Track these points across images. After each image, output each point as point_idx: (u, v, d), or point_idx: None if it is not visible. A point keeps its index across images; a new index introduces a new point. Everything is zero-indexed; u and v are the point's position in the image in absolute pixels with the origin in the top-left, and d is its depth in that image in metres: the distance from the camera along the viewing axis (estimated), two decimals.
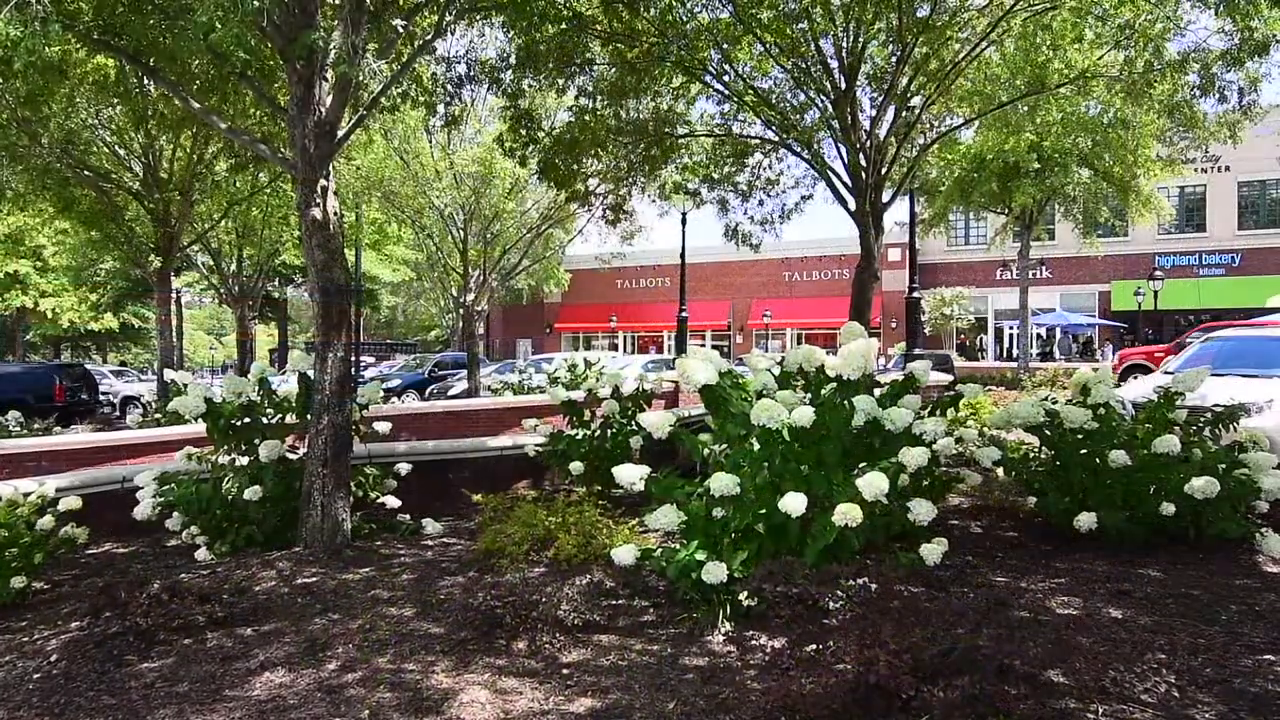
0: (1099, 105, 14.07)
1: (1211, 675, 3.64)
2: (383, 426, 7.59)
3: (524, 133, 10.24)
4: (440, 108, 10.80)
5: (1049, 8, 9.14)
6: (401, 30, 6.71)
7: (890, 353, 30.99)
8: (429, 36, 7.29)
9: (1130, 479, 5.68)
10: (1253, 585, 4.90)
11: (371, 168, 18.46)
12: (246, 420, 6.63)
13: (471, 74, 10.62)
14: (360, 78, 5.71)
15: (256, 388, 6.80)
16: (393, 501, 7.23)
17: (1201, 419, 6.38)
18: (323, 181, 6.17)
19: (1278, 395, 9.48)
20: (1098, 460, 5.74)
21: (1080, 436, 5.94)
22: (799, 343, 40.37)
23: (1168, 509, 5.46)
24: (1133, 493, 5.68)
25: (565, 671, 3.86)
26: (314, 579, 5.40)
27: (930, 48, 9.28)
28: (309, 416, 6.40)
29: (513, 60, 9.95)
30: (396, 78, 7.23)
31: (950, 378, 15.48)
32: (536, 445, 8.23)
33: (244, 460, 6.56)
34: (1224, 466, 5.62)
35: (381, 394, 9.98)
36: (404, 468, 7.43)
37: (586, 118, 10.59)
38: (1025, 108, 11.30)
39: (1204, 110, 9.85)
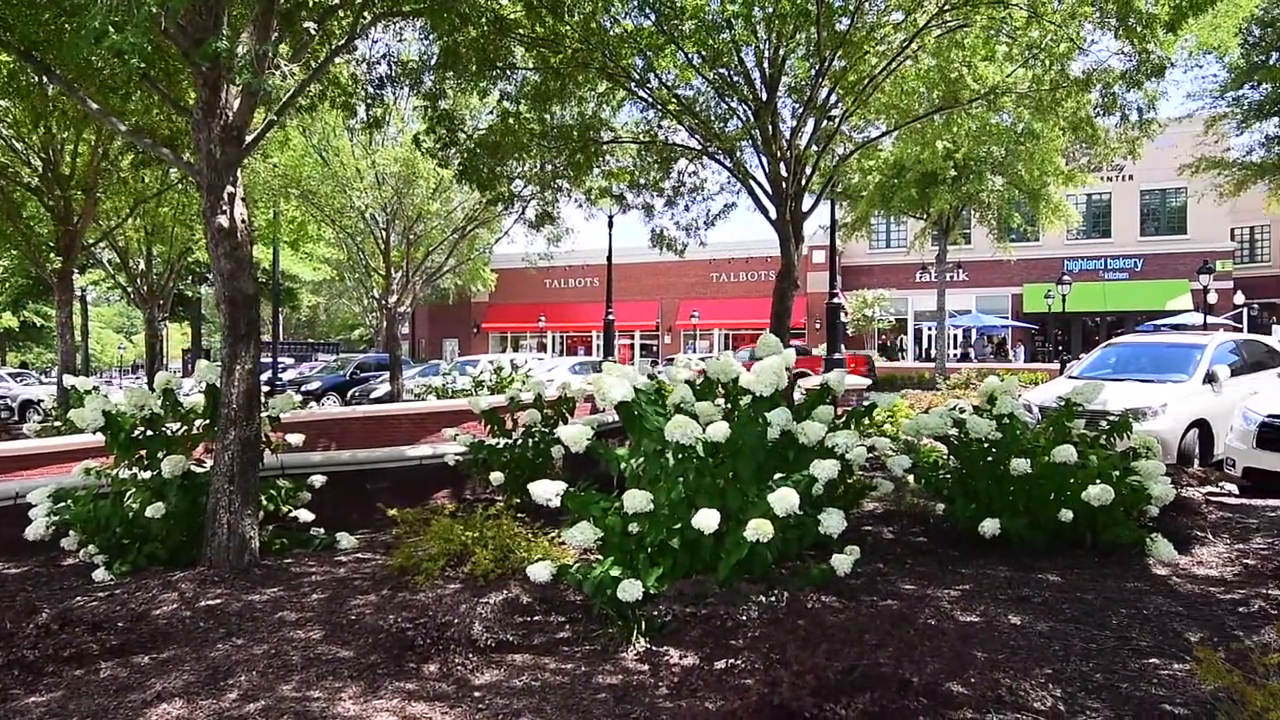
0: (1011, 117, 14.58)
1: (1101, 681, 3.81)
2: (295, 439, 7.38)
3: (444, 134, 10.08)
4: (360, 109, 10.57)
5: (961, 25, 9.43)
6: (314, 33, 6.54)
7: (815, 353, 31.49)
8: (344, 40, 7.11)
9: (1032, 486, 5.91)
10: (1142, 588, 5.14)
11: (290, 166, 17.94)
12: (149, 433, 6.38)
13: (392, 75, 10.42)
14: (265, 88, 5.52)
15: (161, 399, 6.54)
16: (306, 515, 7.04)
17: (1101, 424, 6.67)
18: (229, 188, 5.97)
19: (1170, 399, 9.99)
20: (1001, 468, 5.96)
21: (985, 445, 6.15)
22: (727, 343, 40.95)
23: (1066, 515, 5.70)
24: (1034, 500, 5.91)
25: (477, 694, 3.82)
26: (218, 600, 5.23)
27: (849, 61, 9.47)
28: (215, 430, 6.18)
29: (434, 62, 9.80)
30: (310, 80, 7.04)
31: (868, 382, 15.84)
32: (457, 454, 8.12)
33: (147, 475, 6.31)
34: (1118, 474, 5.89)
35: (298, 401, 9.72)
36: (319, 479, 7.25)
37: (510, 121, 10.49)
38: (941, 119, 11.63)
39: (1105, 127, 10.29)
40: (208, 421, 6.53)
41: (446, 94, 10.39)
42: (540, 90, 10.11)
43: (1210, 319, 27.26)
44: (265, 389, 17.57)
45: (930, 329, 36.85)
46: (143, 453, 6.35)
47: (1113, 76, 9.15)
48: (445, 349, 46.46)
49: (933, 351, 33.15)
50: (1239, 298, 34.32)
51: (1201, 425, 10.09)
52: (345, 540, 6.81)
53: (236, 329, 6.11)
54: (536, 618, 4.73)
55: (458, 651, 4.16)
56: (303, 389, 23.64)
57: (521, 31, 9.40)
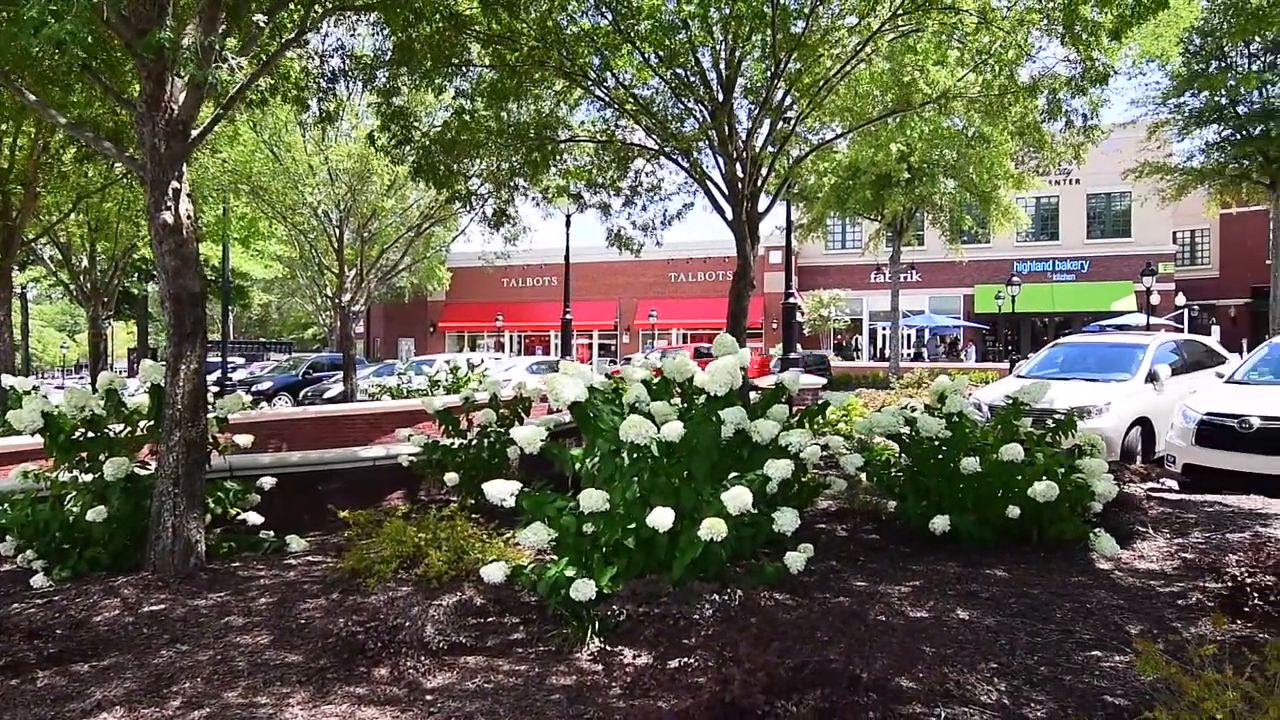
0: (962, 121, 14.85)
1: (1045, 673, 3.89)
2: (244, 440, 7.23)
3: (398, 130, 9.96)
4: (313, 103, 10.39)
5: (914, 30, 9.57)
6: (263, 25, 6.41)
7: (772, 353, 31.80)
8: (294, 33, 6.99)
9: (980, 484, 6.02)
10: (1086, 583, 5.27)
11: (239, 161, 17.56)
12: (90, 435, 6.21)
13: (346, 70, 10.27)
14: (212, 80, 5.40)
15: (103, 399, 6.36)
16: (255, 518, 6.90)
17: (1048, 422, 6.82)
18: (174, 184, 5.83)
19: (1114, 398, 10.26)
20: (951, 466, 6.06)
21: (936, 443, 6.26)
22: (685, 342, 41.05)
23: (1013, 512, 5.81)
24: (982, 497, 6.02)
25: (429, 697, 3.78)
26: (162, 606, 5.10)
27: (803, 64, 9.55)
28: (160, 432, 6.03)
29: (388, 58, 9.67)
30: (259, 74, 6.90)
31: (823, 381, 16.02)
32: (411, 455, 8.03)
33: (88, 478, 6.13)
34: (1063, 471, 6.03)
35: (247, 401, 9.54)
36: (268, 481, 7.11)
37: (466, 118, 10.40)
38: (894, 122, 11.80)
39: (1052, 132, 10.53)
40: (152, 423, 6.37)
41: (401, 90, 10.28)
42: (497, 88, 10.03)
43: (1153, 320, 28.05)
44: (214, 389, 17.20)
45: (884, 329, 37.40)
46: (84, 455, 6.18)
47: (1059, 83, 9.36)
48: (401, 348, 45.94)
49: (887, 351, 33.64)
50: (1180, 299, 35.38)
51: (1144, 423, 10.38)
52: (295, 543, 6.69)
53: (182, 327, 5.97)
54: (490, 619, 4.70)
55: (409, 654, 4.11)
56: (253, 389, 23.23)
57: (477, 28, 9.33)
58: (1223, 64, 22.63)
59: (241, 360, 35.35)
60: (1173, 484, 8.78)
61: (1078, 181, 36.31)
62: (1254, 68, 22.30)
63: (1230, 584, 4.72)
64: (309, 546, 6.77)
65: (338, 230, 20.24)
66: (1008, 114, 10.15)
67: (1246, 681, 3.03)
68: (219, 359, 21.35)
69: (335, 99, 10.49)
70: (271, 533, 6.83)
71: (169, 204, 5.81)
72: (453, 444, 7.86)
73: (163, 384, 6.14)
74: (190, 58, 5.20)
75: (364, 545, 5.85)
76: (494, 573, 4.58)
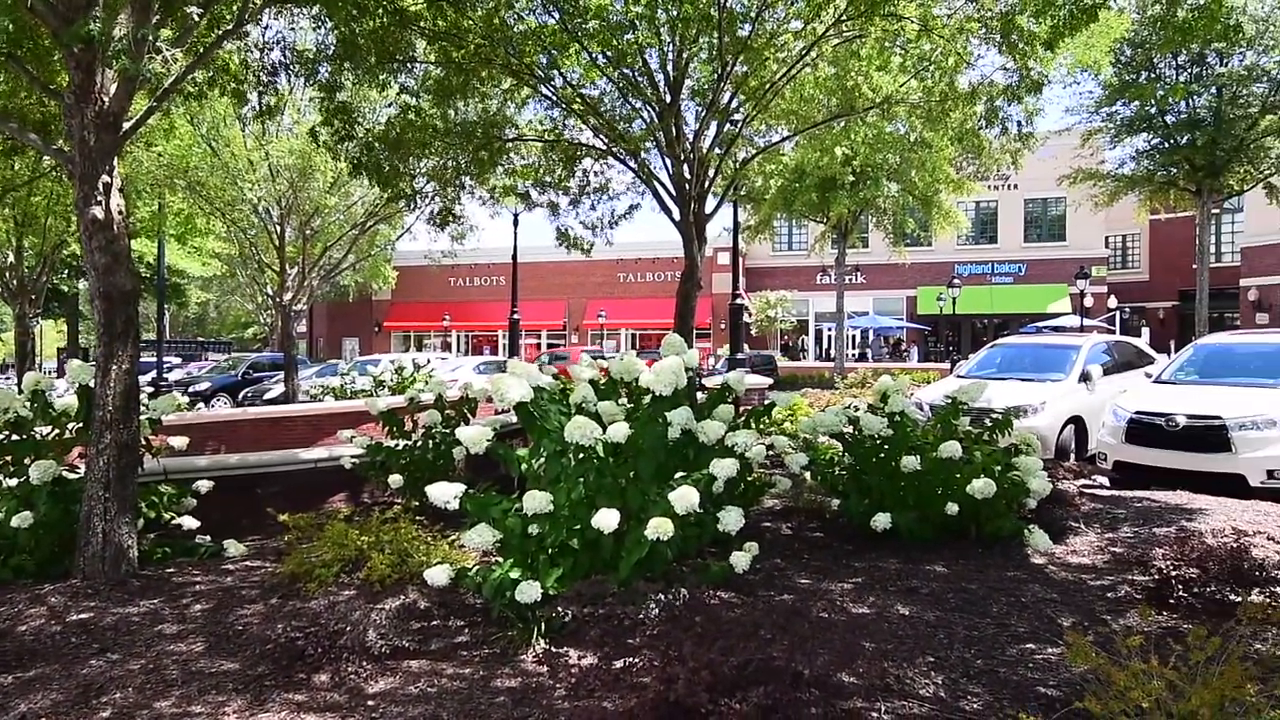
0: (905, 126, 15.14)
1: (981, 666, 3.99)
2: (179, 442, 7.03)
3: (340, 126, 9.79)
4: (252, 97, 10.15)
5: (857, 36, 9.73)
6: (199, 17, 6.24)
7: (720, 353, 31.97)
8: (232, 25, 6.82)
9: (920, 482, 6.14)
10: (1021, 577, 5.41)
11: (175, 155, 17.06)
12: (15, 437, 5.98)
13: (287, 64, 10.05)
14: (144, 74, 5.24)
15: (29, 400, 6.13)
16: (191, 522, 6.72)
17: (986, 421, 6.99)
18: (105, 177, 5.64)
19: (1049, 397, 10.56)
20: (893, 465, 6.17)
21: (878, 442, 6.37)
22: (633, 343, 41.12)
23: (952, 509, 5.94)
24: (922, 494, 6.14)
25: (371, 703, 3.72)
26: (91, 614, 4.93)
27: (750, 67, 9.65)
28: (90, 434, 5.83)
29: (330, 53, 9.50)
30: (195, 66, 6.72)
31: (770, 381, 16.18)
32: (353, 457, 7.89)
33: (13, 482, 5.91)
34: (1000, 469, 6.18)
35: (183, 402, 9.29)
36: (205, 485, 6.93)
37: (411, 116, 10.28)
38: (839, 126, 11.98)
39: (989, 138, 10.80)
40: (81, 425, 6.16)
41: (344, 85, 10.10)
42: (443, 85, 9.94)
43: (1086, 321, 28.96)
44: (148, 390, 16.68)
45: (830, 329, 37.94)
46: (8, 458, 5.95)
47: (996, 90, 9.61)
48: (345, 348, 45.15)
49: (832, 351, 34.14)
50: (1112, 301, 36.59)
51: (1077, 421, 10.70)
52: (233, 548, 6.53)
53: (113, 327, 5.77)
54: (434, 623, 4.64)
55: (351, 660, 4.05)
56: (190, 390, 22.61)
57: (423, 24, 9.22)
58: (1152, 75, 23.46)
59: (178, 360, 34.37)
60: (1104, 480, 9.08)
61: (1016, 187, 37.31)
62: (1181, 79, 23.17)
63: (1157, 577, 4.89)
64: (247, 551, 6.62)
65: (279, 227, 19.80)
66: (948, 120, 10.39)
67: (1171, 670, 3.15)
68: (153, 359, 20.72)
69: (276, 93, 10.26)
70: (208, 537, 6.66)
71: (99, 198, 5.62)
72: (397, 445, 7.75)
73: (92, 385, 5.94)
74: (121, 49, 5.03)
75: (305, 549, 5.73)
76: (438, 575, 4.53)
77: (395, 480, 7.36)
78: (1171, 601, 4.67)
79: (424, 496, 6.86)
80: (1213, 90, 22.66)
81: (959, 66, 9.81)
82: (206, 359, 35.45)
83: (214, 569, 6.12)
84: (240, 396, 23.78)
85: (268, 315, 38.65)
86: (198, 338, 53.80)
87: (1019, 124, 9.81)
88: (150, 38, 5.46)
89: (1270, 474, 8.21)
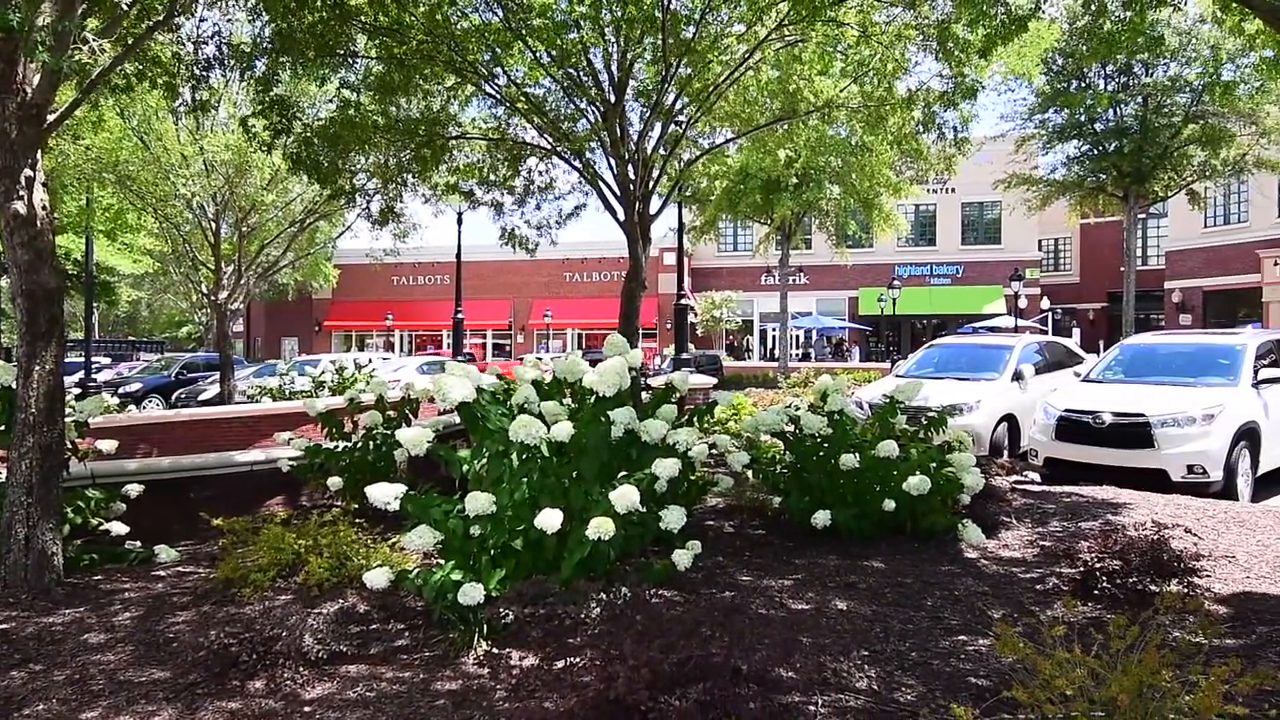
0: (846, 130, 15.40)
1: (916, 659, 4.09)
2: (107, 445, 6.81)
3: (276, 120, 9.57)
4: (185, 91, 9.88)
5: (799, 40, 9.86)
6: (127, 7, 6.06)
7: (665, 353, 32.08)
8: (163, 16, 6.63)
9: (859, 479, 6.26)
10: (955, 571, 5.56)
11: (104, 148, 16.49)
12: None
13: (221, 57, 9.81)
14: (67, 67, 5.07)
15: None
16: (120, 528, 6.51)
17: (922, 419, 7.15)
18: (28, 171, 5.44)
19: (983, 396, 10.85)
20: (832, 463, 6.28)
21: (818, 441, 6.47)
22: (580, 343, 41.04)
23: (889, 505, 6.07)
24: (861, 492, 6.26)
25: (307, 709, 3.67)
26: (11, 624, 4.76)
27: (694, 69, 9.71)
28: (11, 438, 5.62)
29: (267, 46, 9.29)
30: (123, 58, 6.52)
31: (714, 381, 16.31)
32: (291, 459, 7.73)
33: None
34: (935, 466, 6.33)
35: (113, 405, 9.00)
36: (135, 489, 6.72)
37: (352, 112, 10.10)
38: (782, 129, 12.12)
39: (926, 143, 11.06)
40: (2, 428, 5.92)
41: (281, 80, 9.89)
42: (384, 81, 9.79)
43: (1020, 322, 29.79)
44: (75, 391, 16.09)
45: (774, 330, 38.38)
46: None
47: (933, 97, 9.83)
48: (284, 348, 44.16)
49: (776, 351, 34.56)
50: (1045, 302, 37.70)
51: (1010, 419, 11.02)
52: (165, 553, 6.35)
53: (36, 326, 5.57)
54: (374, 626, 4.59)
55: (287, 666, 3.97)
56: (120, 391, 21.91)
57: (364, 19, 9.08)
58: (1082, 84, 24.26)
59: (107, 360, 33.27)
60: (1035, 476, 9.37)
61: (953, 190, 38.21)
62: (1109, 88, 24.00)
63: (1082, 569, 5.07)
64: (180, 557, 6.45)
65: (214, 224, 19.28)
66: (886, 124, 10.59)
67: (1093, 659, 3.27)
68: (81, 359, 20.00)
69: (210, 88, 10.01)
70: (138, 543, 6.47)
71: (21, 193, 5.42)
72: (336, 447, 7.62)
73: (14, 386, 5.72)
74: (43, 41, 4.86)
75: (240, 554, 5.61)
76: (377, 578, 4.47)
77: (335, 482, 7.24)
78: (1096, 592, 4.84)
79: (364, 499, 6.77)
80: (1139, 100, 23.52)
81: (897, 72, 10.00)
82: (138, 359, 34.38)
83: (144, 576, 5.95)
84: (174, 398, 23.13)
85: (203, 314, 37.60)
86: (129, 337, 52.10)
87: (954, 129, 10.07)
88: (76, 28, 5.28)
89: (1190, 469, 8.56)
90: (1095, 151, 24.72)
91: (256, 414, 12.96)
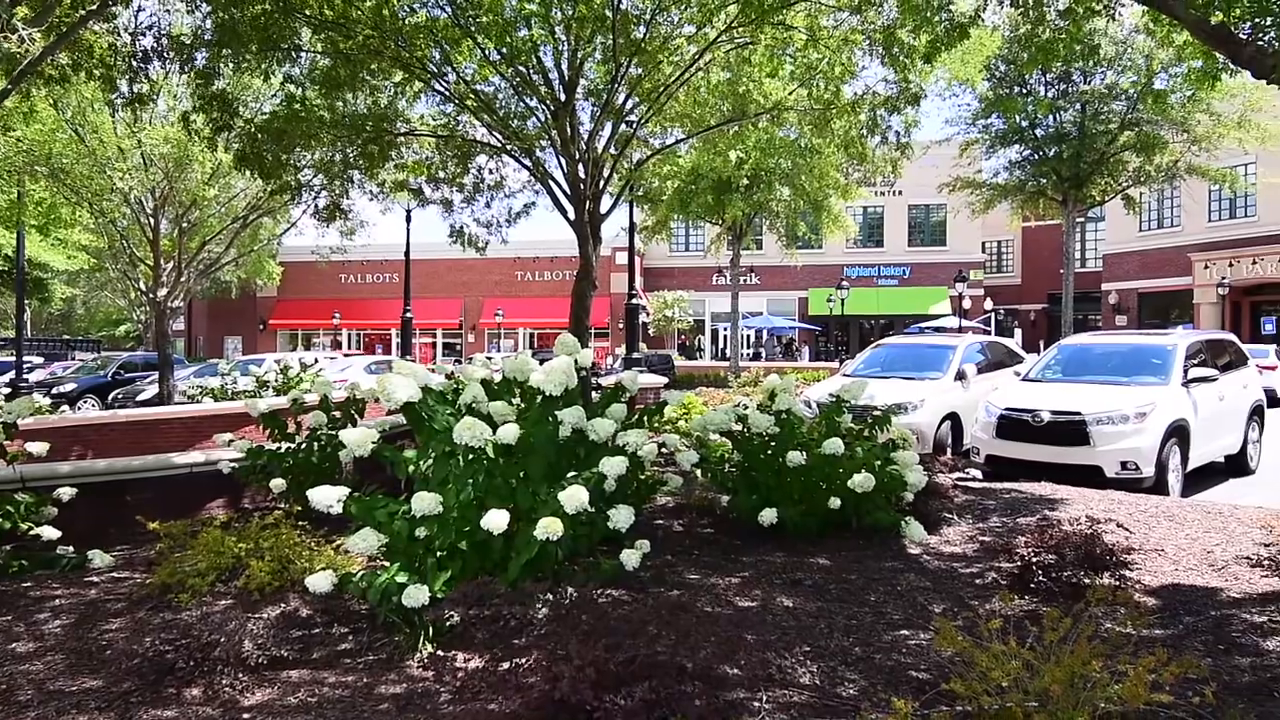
0: (796, 132, 15.57)
1: (859, 654, 4.15)
2: (38, 447, 6.59)
3: (218, 115, 9.36)
4: (123, 83, 9.62)
5: (749, 43, 9.94)
6: None
7: (617, 353, 32.07)
8: (96, 6, 6.44)
9: (805, 477, 6.34)
10: (898, 567, 5.66)
11: (36, 140, 15.91)
12: None
13: (160, 49, 9.57)
14: None
15: None
16: (51, 532, 6.30)
17: (868, 417, 7.27)
18: None
19: (927, 395, 11.06)
20: (780, 461, 6.35)
21: (765, 439, 6.54)
22: (531, 342, 40.84)
23: (834, 503, 6.16)
24: (807, 489, 6.34)
25: (246, 715, 3.59)
26: None
27: (644, 69, 9.73)
28: None
29: (208, 39, 9.08)
30: (54, 48, 6.32)
31: (665, 380, 16.36)
32: (233, 461, 7.56)
33: None
34: (880, 464, 6.44)
35: (45, 405, 8.70)
36: (67, 492, 6.51)
37: (296, 107, 9.92)
38: (733, 130, 12.22)
39: (871, 147, 11.23)
40: None
41: (222, 73, 9.67)
42: (330, 76, 9.63)
43: (964, 322, 30.44)
44: (5, 391, 15.54)
45: (726, 329, 38.65)
46: None
47: (878, 101, 10.00)
48: (227, 347, 43.14)
49: (728, 351, 34.80)
50: (988, 303, 38.61)
51: (953, 418, 11.26)
52: (99, 558, 6.16)
53: None
54: (317, 630, 4.51)
55: (225, 672, 3.89)
56: (54, 391, 21.22)
57: (308, 12, 8.92)
58: (1023, 90, 24.89)
59: (40, 360, 32.15)
60: (977, 473, 9.58)
61: (900, 193, 38.87)
62: (1049, 95, 24.66)
63: (1019, 564, 5.20)
64: (115, 562, 6.26)
65: (152, 220, 18.75)
66: (833, 127, 10.74)
67: (1027, 651, 3.36)
68: (12, 358, 19.30)
69: (148, 80, 9.75)
70: (70, 548, 6.27)
71: None
72: (279, 448, 7.47)
73: None
74: None
75: (177, 558, 5.47)
76: (320, 582, 4.40)
77: (277, 484, 7.09)
78: (1032, 586, 4.98)
79: (308, 501, 6.67)
80: (1077, 107, 24.20)
81: (844, 76, 10.15)
82: (73, 358, 33.29)
83: (76, 581, 5.77)
84: (110, 398, 22.45)
85: (141, 312, 36.56)
86: (63, 336, 50.39)
87: (898, 134, 10.25)
88: (5, 14, 5.10)
89: (1124, 465, 8.84)
90: (1036, 156, 25.38)
91: (197, 415, 12.64)
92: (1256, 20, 5.19)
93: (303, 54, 9.89)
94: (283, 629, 4.34)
